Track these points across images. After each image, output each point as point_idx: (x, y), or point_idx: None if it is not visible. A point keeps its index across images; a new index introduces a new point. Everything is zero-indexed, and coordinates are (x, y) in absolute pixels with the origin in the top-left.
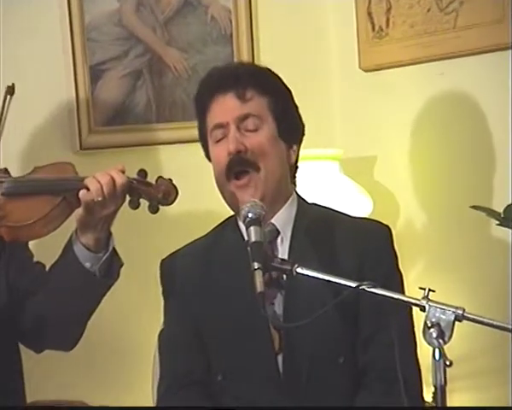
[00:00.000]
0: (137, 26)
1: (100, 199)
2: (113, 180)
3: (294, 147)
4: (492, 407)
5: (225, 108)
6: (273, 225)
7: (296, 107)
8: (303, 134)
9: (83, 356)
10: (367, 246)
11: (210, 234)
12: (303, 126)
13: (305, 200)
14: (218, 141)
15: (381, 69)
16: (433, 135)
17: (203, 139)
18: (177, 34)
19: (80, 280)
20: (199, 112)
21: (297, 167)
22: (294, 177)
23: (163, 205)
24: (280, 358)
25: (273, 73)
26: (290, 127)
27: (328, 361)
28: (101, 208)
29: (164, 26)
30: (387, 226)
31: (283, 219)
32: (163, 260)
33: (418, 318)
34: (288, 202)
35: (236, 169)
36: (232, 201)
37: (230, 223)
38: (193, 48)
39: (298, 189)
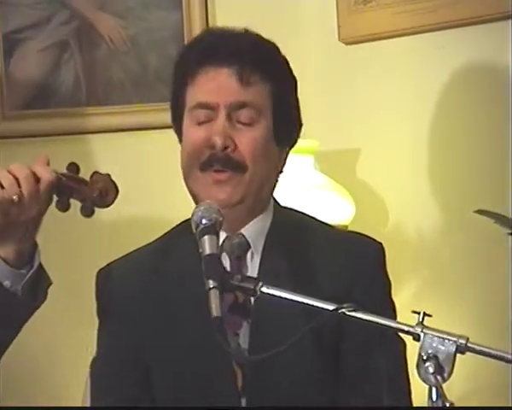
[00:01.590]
0: None
1: (15, 198)
2: (35, 175)
3: (286, 150)
4: (492, 406)
5: (219, 85)
6: (243, 236)
7: (298, 101)
8: (298, 136)
9: None
10: (356, 269)
11: (160, 240)
12: (300, 126)
13: (279, 204)
14: (199, 123)
15: (365, 41)
16: (430, 123)
17: (177, 112)
18: None
19: None
20: (178, 83)
21: (281, 172)
22: (276, 181)
23: (99, 206)
24: (244, 401)
25: (281, 54)
26: (287, 127)
27: (301, 405)
28: (19, 211)
29: None
30: (381, 245)
31: (256, 230)
32: (99, 272)
33: (411, 348)
34: (265, 211)
35: (217, 167)
36: (202, 196)
37: (187, 228)
38: (132, 14)
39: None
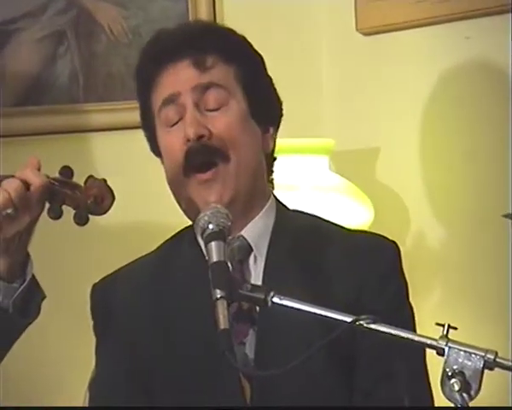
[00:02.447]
0: None
1: (10, 211)
2: (26, 182)
3: (271, 130)
4: (493, 406)
5: (178, 78)
6: (244, 238)
7: (270, 78)
8: (281, 114)
9: None
10: (368, 270)
11: (159, 250)
12: (280, 104)
13: (285, 206)
14: (171, 126)
15: (385, 32)
16: (455, 120)
17: (148, 127)
18: None
19: None
20: (141, 90)
21: (274, 159)
22: (271, 171)
23: (94, 214)
24: None
25: (238, 34)
26: (265, 104)
27: None
28: (11, 223)
29: None
30: (394, 243)
31: (258, 231)
32: (95, 286)
33: (435, 364)
34: (265, 208)
35: (198, 160)
36: (191, 204)
37: (187, 235)
38: (134, 3)
39: (275, 191)
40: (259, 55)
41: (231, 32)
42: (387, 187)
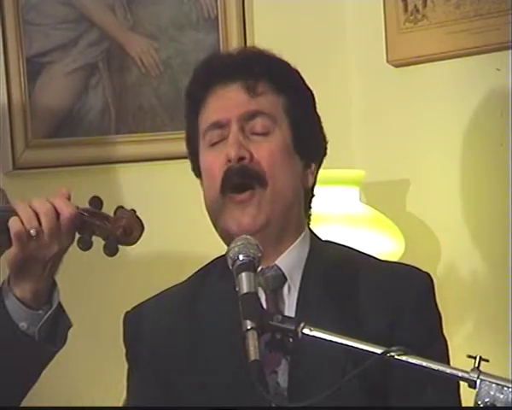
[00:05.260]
0: (91, 4)
1: (33, 232)
2: (56, 210)
3: (313, 166)
4: (493, 406)
5: (227, 102)
6: (278, 268)
7: (318, 116)
8: (325, 152)
9: None
10: (401, 301)
11: (190, 280)
12: (325, 142)
13: (318, 237)
14: (213, 144)
15: (415, 63)
16: (485, 151)
17: (192, 147)
18: (144, 16)
19: (13, 345)
20: (189, 110)
21: (313, 195)
22: (309, 207)
23: (123, 244)
24: None
25: (292, 67)
26: (309, 140)
27: None
28: (38, 247)
29: (127, 4)
30: (428, 274)
31: (292, 261)
32: (127, 313)
33: (466, 396)
34: (299, 238)
35: (236, 180)
36: (225, 227)
37: (218, 265)
38: (165, 35)
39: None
40: (310, 91)
41: (285, 63)
42: (418, 218)
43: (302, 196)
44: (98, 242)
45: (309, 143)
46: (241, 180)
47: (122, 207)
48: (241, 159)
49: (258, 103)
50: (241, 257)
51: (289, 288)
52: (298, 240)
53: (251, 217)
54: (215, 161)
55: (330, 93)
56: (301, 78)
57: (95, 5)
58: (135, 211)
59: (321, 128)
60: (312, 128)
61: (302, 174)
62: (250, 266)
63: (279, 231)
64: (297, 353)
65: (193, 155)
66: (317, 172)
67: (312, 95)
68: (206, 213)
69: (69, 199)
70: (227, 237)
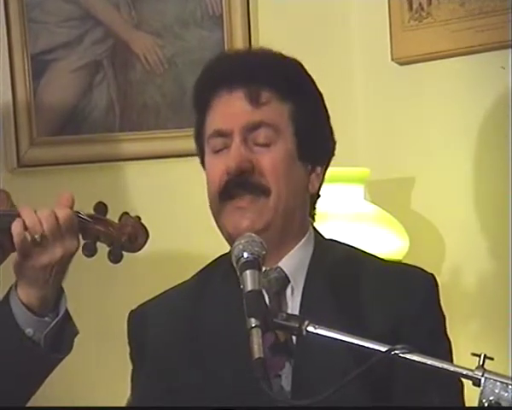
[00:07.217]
0: (96, 2)
1: (37, 237)
2: (55, 215)
3: (318, 170)
4: (493, 406)
5: (230, 110)
6: (281, 270)
7: (327, 116)
8: (332, 154)
9: None
10: (405, 302)
11: (194, 279)
12: (333, 143)
13: (322, 236)
14: (216, 151)
15: (420, 61)
16: (492, 149)
17: (199, 143)
18: (148, 14)
19: (18, 351)
20: (198, 107)
21: (319, 196)
22: (314, 208)
23: (128, 251)
24: None
25: (301, 68)
26: (315, 145)
27: None
28: (42, 252)
29: (131, 2)
30: (432, 276)
31: (295, 263)
32: (131, 312)
33: (470, 394)
34: (303, 240)
35: (236, 192)
36: (227, 227)
37: (222, 264)
38: (170, 32)
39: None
40: (319, 93)
41: (292, 66)
42: (422, 216)
43: (306, 200)
44: (102, 248)
45: (315, 149)
46: (241, 192)
47: (127, 213)
48: (241, 171)
49: (262, 114)
50: (245, 255)
51: (292, 290)
52: (301, 241)
53: (249, 220)
54: (216, 168)
55: (335, 91)
56: (310, 80)
57: (99, 3)
58: (139, 218)
59: (330, 130)
60: (319, 132)
61: (307, 179)
62: (255, 263)
63: (281, 234)
64: (300, 356)
65: (200, 153)
66: (323, 175)
67: (321, 97)
68: (209, 210)
69: (72, 201)
70: (228, 237)
